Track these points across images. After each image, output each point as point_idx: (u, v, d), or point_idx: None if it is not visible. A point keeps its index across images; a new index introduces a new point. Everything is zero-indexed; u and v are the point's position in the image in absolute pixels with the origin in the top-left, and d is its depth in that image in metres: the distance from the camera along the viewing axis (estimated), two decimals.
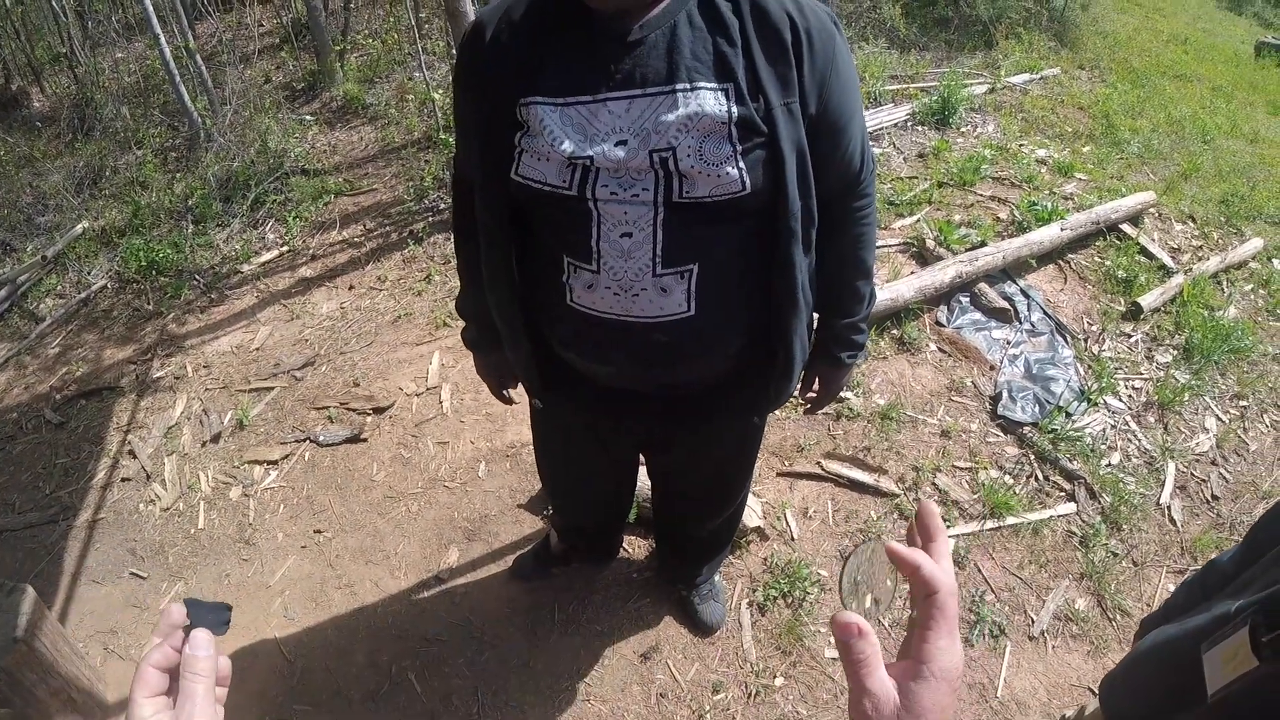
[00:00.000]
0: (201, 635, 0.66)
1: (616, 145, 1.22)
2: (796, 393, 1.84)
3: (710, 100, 1.20)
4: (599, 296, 1.33)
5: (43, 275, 4.57)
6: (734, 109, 1.21)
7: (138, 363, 3.82)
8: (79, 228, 4.82)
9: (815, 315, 1.62)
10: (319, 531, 2.89)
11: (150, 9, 4.82)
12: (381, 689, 2.40)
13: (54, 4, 6.51)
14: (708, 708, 2.31)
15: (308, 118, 5.75)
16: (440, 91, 4.82)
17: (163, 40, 4.94)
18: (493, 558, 2.73)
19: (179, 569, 2.84)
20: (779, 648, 2.44)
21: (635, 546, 2.70)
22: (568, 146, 1.23)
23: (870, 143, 1.51)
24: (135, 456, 3.29)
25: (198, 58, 5.47)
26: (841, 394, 3.14)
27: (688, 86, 1.21)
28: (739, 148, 1.21)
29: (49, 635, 2.30)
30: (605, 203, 1.25)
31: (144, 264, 4.38)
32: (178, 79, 5.14)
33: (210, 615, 0.68)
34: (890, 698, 0.56)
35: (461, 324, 1.85)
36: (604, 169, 1.23)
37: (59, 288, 4.48)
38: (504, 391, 1.95)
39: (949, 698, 0.57)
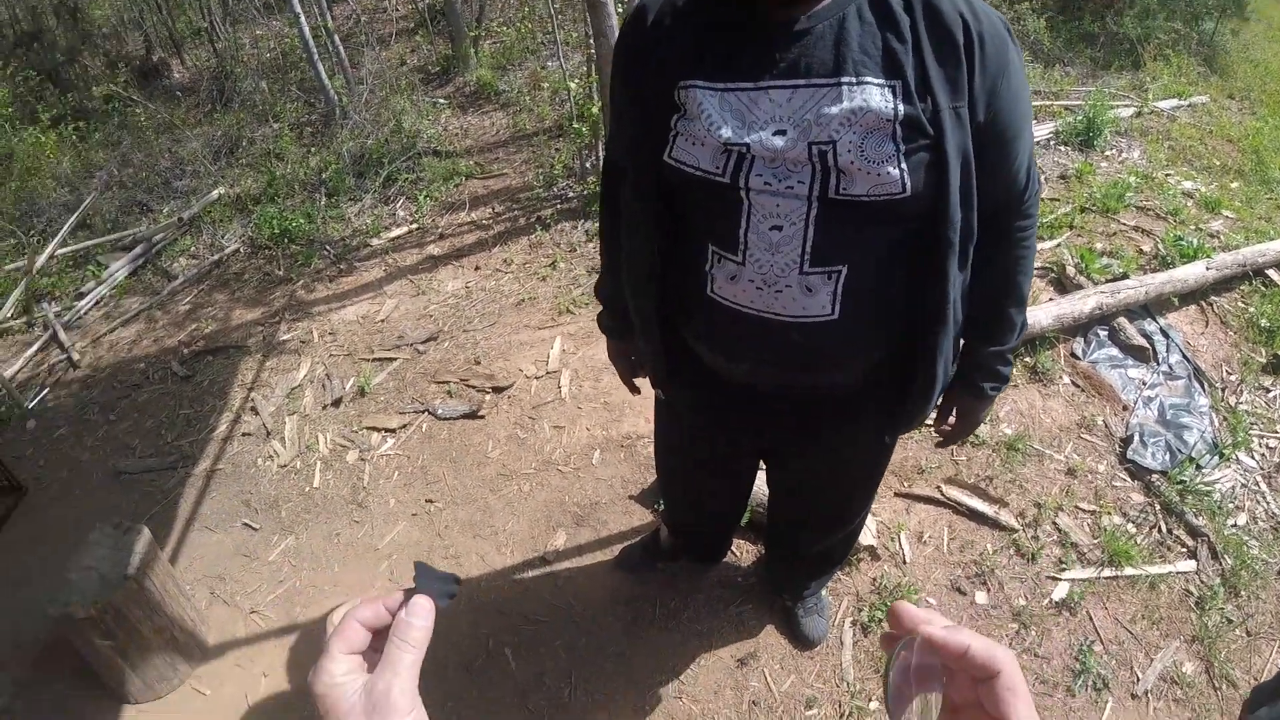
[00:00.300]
0: (423, 603, 0.59)
1: (775, 134, 1.18)
2: (931, 420, 1.77)
3: (876, 96, 1.15)
4: (740, 289, 1.29)
5: (177, 236, 4.74)
6: (900, 107, 1.15)
7: (265, 325, 3.93)
8: (215, 193, 5.00)
9: (961, 340, 1.54)
10: (430, 501, 2.92)
11: None
12: (477, 660, 2.41)
13: None
14: None
15: (441, 101, 5.86)
16: (575, 81, 4.86)
17: (302, 19, 5.11)
18: (599, 545, 2.72)
19: (291, 524, 2.90)
20: (878, 670, 2.33)
21: (743, 551, 2.65)
22: (725, 132, 1.20)
23: (1036, 162, 1.44)
24: (257, 413, 3.38)
25: (335, 38, 5.63)
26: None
27: (854, 80, 1.16)
28: (902, 148, 1.15)
29: (159, 575, 2.36)
30: (758, 193, 1.21)
31: (276, 231, 4.51)
32: (315, 57, 5.30)
33: (437, 584, 0.61)
34: None
35: (596, 309, 1.84)
36: (760, 157, 1.19)
37: (193, 249, 4.65)
38: (633, 380, 1.93)
39: None
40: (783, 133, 1.18)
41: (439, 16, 6.77)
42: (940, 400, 1.70)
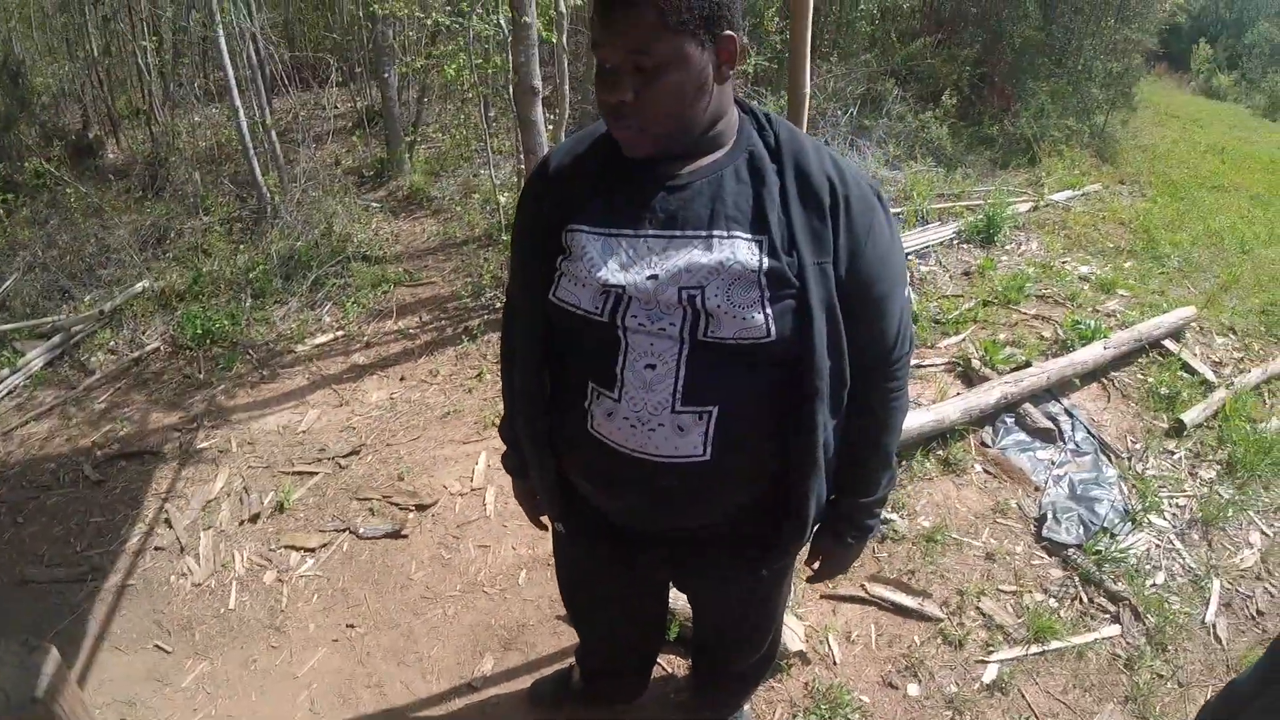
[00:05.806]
0: None
1: (649, 279, 1.28)
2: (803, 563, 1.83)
3: (744, 250, 1.26)
4: (616, 427, 1.35)
5: (97, 328, 4.62)
6: (765, 261, 1.26)
7: (183, 430, 3.83)
8: (139, 286, 4.90)
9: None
10: (352, 626, 2.84)
11: (232, 79, 4.98)
12: None
13: (140, 61, 6.75)
14: None
15: (374, 204, 5.86)
16: (507, 194, 4.90)
17: (241, 113, 5.10)
18: (529, 669, 2.67)
19: (205, 648, 2.80)
20: None
21: (676, 665, 2.64)
22: (604, 274, 1.30)
23: (912, 326, 1.49)
24: (171, 526, 3.28)
25: (273, 133, 5.63)
26: (887, 517, 3.10)
27: (724, 234, 1.28)
28: (767, 294, 1.26)
29: (68, 700, 2.22)
30: (634, 332, 1.30)
31: (199, 331, 4.42)
32: (251, 151, 5.29)
33: None
34: None
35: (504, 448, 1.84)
36: (635, 299, 1.29)
37: (112, 343, 4.53)
38: (539, 519, 1.92)
39: None
40: (655, 277, 1.28)
41: (376, 118, 6.83)
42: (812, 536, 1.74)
